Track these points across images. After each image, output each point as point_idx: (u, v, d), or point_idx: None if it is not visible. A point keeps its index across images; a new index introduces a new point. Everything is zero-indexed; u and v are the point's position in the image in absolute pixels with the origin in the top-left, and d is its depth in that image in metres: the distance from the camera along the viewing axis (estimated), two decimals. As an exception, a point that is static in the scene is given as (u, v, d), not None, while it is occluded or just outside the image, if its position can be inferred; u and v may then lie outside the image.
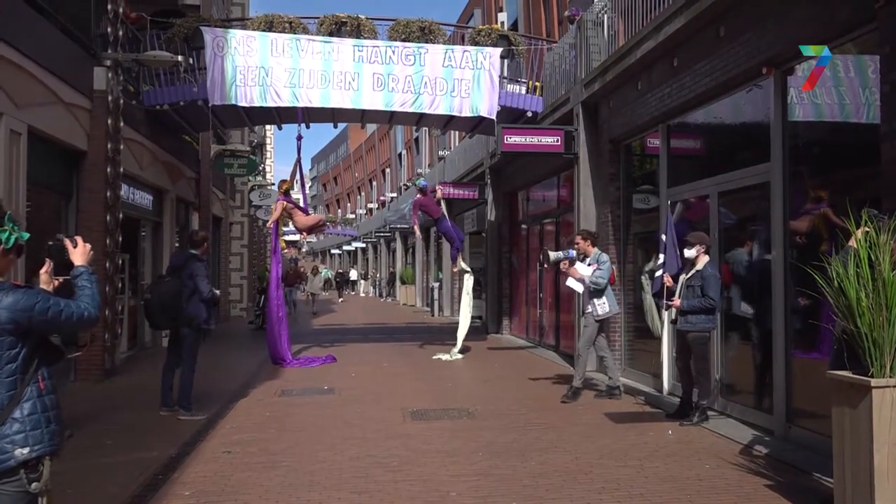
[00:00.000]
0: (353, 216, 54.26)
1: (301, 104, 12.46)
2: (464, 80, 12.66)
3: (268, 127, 31.66)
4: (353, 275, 49.37)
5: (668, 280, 7.32)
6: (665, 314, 7.99)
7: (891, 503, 3.92)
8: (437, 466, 5.77)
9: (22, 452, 2.59)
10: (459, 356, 12.66)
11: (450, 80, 12.64)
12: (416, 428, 7.20)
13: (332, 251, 64.42)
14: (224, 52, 12.04)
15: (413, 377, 10.61)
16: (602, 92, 10.41)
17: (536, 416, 7.73)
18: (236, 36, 12.26)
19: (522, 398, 8.77)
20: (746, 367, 7.48)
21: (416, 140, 35.10)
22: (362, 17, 13.03)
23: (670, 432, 6.87)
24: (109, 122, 10.31)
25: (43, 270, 2.93)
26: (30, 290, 2.67)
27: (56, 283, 2.95)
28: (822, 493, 4.93)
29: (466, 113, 12.81)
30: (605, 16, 10.89)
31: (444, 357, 12.54)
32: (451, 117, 13.73)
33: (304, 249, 64.32)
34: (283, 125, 15.59)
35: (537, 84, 13.59)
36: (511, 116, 13.64)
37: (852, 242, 4.25)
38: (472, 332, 14.70)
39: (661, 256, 7.51)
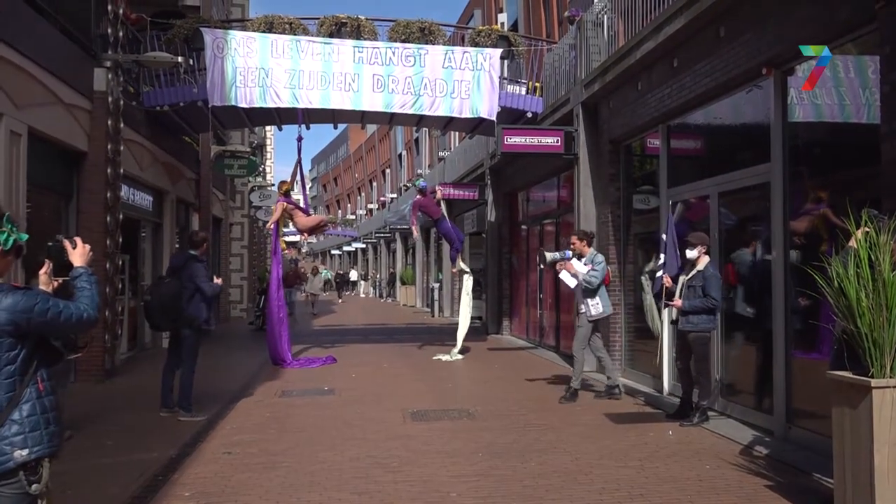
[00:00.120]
0: (353, 217, 54.32)
1: (301, 105, 12.46)
2: (464, 82, 12.66)
3: (268, 128, 31.69)
4: (353, 275, 49.36)
5: (667, 281, 7.33)
6: (665, 314, 7.99)
7: (891, 503, 3.92)
8: (438, 467, 5.77)
9: (21, 454, 2.58)
10: (459, 357, 12.65)
11: (450, 82, 12.64)
12: (416, 429, 7.20)
13: (332, 252, 64.46)
14: (224, 53, 12.04)
15: (413, 378, 10.61)
16: (602, 92, 10.41)
17: (537, 416, 7.73)
18: (236, 37, 12.27)
19: (522, 399, 8.77)
20: (747, 368, 7.48)
21: (417, 141, 35.11)
22: (362, 17, 13.03)
23: (670, 433, 6.86)
24: (109, 122, 10.31)
25: (42, 271, 2.92)
26: (29, 292, 2.66)
27: (55, 284, 2.94)
28: (822, 493, 4.92)
29: (466, 114, 12.80)
30: (605, 16, 10.89)
31: (444, 358, 12.53)
32: (452, 118, 13.72)
33: (304, 250, 64.33)
34: (283, 126, 15.62)
35: (537, 85, 13.59)
36: (511, 117, 13.63)
37: (852, 243, 4.24)
38: (472, 333, 14.71)
39: (662, 257, 7.51)
